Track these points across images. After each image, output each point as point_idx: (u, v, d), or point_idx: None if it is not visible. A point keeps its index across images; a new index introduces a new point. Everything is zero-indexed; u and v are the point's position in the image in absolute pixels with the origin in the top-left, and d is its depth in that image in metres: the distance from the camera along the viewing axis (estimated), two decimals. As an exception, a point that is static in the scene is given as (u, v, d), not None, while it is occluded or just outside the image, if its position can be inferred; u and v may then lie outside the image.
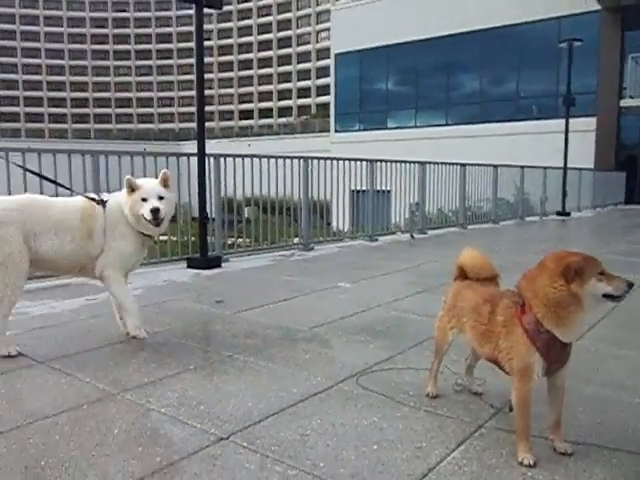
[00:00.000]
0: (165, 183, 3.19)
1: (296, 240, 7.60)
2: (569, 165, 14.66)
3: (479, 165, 11.12)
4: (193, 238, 6.32)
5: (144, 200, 3.09)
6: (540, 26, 20.95)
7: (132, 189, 3.12)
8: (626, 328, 3.67)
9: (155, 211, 3.08)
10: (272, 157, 7.24)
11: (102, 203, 3.15)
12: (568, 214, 14.14)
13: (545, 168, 13.87)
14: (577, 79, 16.37)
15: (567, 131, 14.68)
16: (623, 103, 17.38)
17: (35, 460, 1.93)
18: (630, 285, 1.85)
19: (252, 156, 7.02)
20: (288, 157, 7.41)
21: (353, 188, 8.36)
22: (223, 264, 5.99)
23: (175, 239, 6.14)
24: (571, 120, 14.84)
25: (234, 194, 6.94)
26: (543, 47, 20.35)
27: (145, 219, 3.10)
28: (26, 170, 3.79)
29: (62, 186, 3.57)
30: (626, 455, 2.02)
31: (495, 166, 11.64)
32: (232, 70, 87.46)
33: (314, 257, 6.83)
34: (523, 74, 22.32)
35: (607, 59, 19.45)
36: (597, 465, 1.94)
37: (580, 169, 15.73)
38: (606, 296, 1.88)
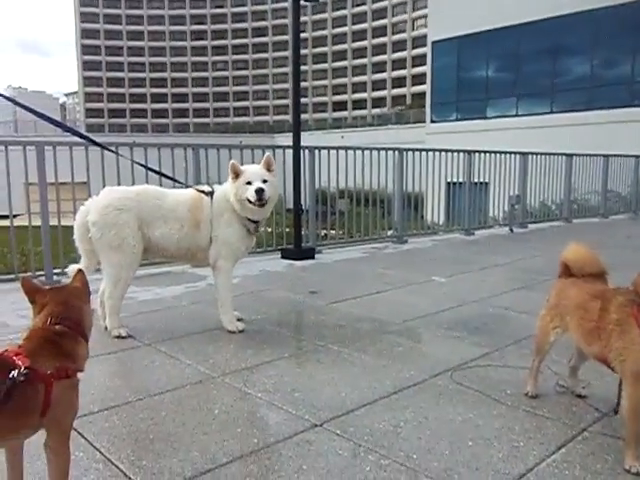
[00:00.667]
0: (268, 167, 3.26)
1: (389, 233, 7.55)
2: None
3: (587, 155, 10.38)
4: (287, 229, 6.48)
5: (248, 184, 3.16)
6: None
7: (236, 174, 3.21)
8: None
9: (259, 191, 3.12)
10: (366, 149, 7.23)
11: (210, 194, 3.29)
12: (690, 208, 12.85)
13: (664, 157, 12.66)
14: None
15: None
16: None
17: (144, 433, 2.10)
18: None
19: (346, 148, 7.06)
20: (382, 148, 7.37)
21: (449, 180, 8.14)
22: (316, 255, 6.09)
23: (270, 230, 6.33)
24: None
25: (328, 186, 7.01)
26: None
27: (250, 201, 3.16)
28: (147, 168, 4.05)
29: (177, 181, 3.78)
30: None
31: (605, 156, 10.81)
32: (326, 62, 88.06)
33: (408, 250, 6.75)
34: (639, 56, 20.49)
35: None
36: None
37: None
38: None
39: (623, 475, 1.82)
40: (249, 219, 3.28)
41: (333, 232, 7.48)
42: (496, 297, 4.20)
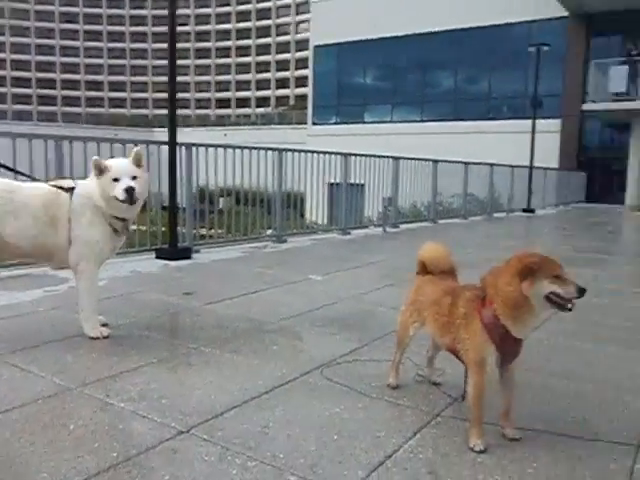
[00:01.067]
0: (138, 162, 3.05)
1: (269, 232, 7.57)
2: (535, 164, 15.05)
3: (450, 162, 11.25)
4: (163, 228, 6.24)
5: (116, 180, 2.94)
6: (512, 29, 21.38)
7: (100, 171, 2.96)
8: (580, 321, 3.73)
9: (129, 190, 2.91)
10: (245, 147, 7.17)
11: (70, 190, 3.03)
12: (533, 211, 14.50)
13: (512, 167, 14.18)
14: (545, 82, 16.90)
15: (534, 132, 15.08)
16: (586, 107, 17.91)
17: (-18, 458, 1.85)
18: (581, 291, 1.86)
19: (225, 146, 6.95)
20: (262, 148, 7.37)
21: (329, 181, 8.38)
22: (193, 255, 5.94)
23: (144, 229, 6.05)
24: (538, 121, 15.22)
25: (206, 184, 6.86)
26: (514, 50, 20.75)
27: (118, 200, 2.94)
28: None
29: (23, 174, 3.45)
30: (569, 439, 2.12)
31: (465, 163, 11.81)
32: (209, 57, 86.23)
33: (287, 249, 6.82)
34: (495, 75, 22.76)
35: (572, 64, 20.00)
36: (542, 449, 2.03)
37: (545, 168, 16.17)
38: (554, 302, 1.89)
39: (468, 453, 1.98)
40: (116, 217, 3.08)
41: (212, 231, 7.34)
42: (368, 294, 4.39)
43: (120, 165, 3.04)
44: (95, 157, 3.06)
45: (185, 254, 5.83)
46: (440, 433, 2.13)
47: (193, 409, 2.26)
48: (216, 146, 6.78)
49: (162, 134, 6.68)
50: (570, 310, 1.89)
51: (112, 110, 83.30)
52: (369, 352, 3.02)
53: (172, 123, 5.87)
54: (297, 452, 1.96)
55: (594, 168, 20.25)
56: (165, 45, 5.96)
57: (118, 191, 2.94)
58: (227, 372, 2.70)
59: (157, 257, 5.70)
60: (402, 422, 2.20)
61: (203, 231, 7.11)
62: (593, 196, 19.59)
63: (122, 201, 2.95)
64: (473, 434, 2.01)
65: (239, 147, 7.08)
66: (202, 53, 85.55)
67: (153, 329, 3.37)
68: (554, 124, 19.96)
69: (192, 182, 6.33)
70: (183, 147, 6.16)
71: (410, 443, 2.04)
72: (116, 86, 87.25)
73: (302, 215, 8.76)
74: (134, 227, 5.31)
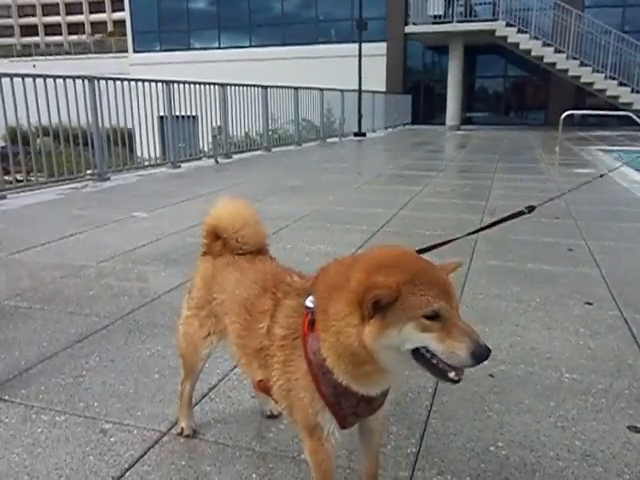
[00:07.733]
0: None
1: (90, 171, 6.90)
2: (364, 88, 15.42)
3: (280, 87, 11.07)
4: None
5: None
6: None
7: None
8: (398, 233, 3.99)
9: None
10: (48, 77, 6.27)
11: None
12: (364, 134, 15.05)
13: (342, 91, 14.38)
14: (370, 5, 17.11)
15: (360, 55, 15.29)
16: (408, 29, 18.55)
17: None
18: (479, 357, 0.94)
19: (23, 76, 5.97)
20: (69, 77, 6.52)
21: (162, 114, 7.82)
22: (-1, 202, 5.25)
23: None
24: (365, 45, 15.45)
25: (17, 123, 5.97)
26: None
27: None
28: None
29: None
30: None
31: (295, 88, 11.71)
32: (3, -24, 73.56)
33: (110, 188, 6.32)
34: (322, -2, 22.55)
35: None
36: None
37: (373, 92, 16.68)
38: (428, 364, 0.98)
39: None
40: None
41: (20, 175, 6.47)
42: (195, 227, 4.20)
43: None
44: None
45: (-14, 202, 5.11)
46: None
47: (-10, 371, 2.01)
48: (10, 75, 5.81)
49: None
50: (457, 382, 1.00)
51: None
52: (196, 284, 2.92)
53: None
54: (113, 398, 1.84)
55: (418, 91, 21.52)
56: None
57: None
58: (34, 326, 2.43)
59: (-51, 208, 4.91)
60: (227, 351, 2.15)
61: (19, 176, 6.25)
62: (418, 118, 20.90)
63: None
64: None
65: (40, 76, 6.17)
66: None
67: (-61, 290, 2.90)
68: (380, 47, 20.52)
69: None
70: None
71: (237, 370, 1.99)
72: None
73: (132, 151, 8.12)
74: None
